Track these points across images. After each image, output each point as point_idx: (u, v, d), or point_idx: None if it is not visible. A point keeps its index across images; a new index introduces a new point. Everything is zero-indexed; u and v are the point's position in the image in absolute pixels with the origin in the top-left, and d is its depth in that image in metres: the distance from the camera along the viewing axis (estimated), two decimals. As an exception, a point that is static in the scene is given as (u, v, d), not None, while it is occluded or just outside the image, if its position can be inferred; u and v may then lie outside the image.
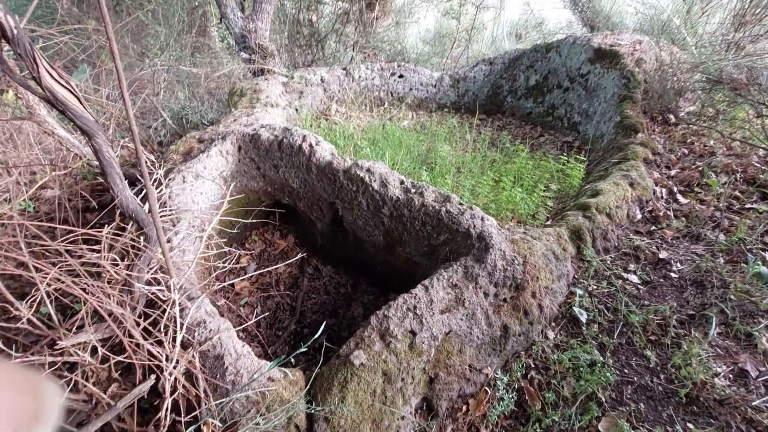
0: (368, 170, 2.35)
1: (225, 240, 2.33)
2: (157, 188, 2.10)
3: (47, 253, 1.77)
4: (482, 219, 2.12)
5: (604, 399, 1.72)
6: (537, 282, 2.03)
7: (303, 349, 1.45)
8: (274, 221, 2.98)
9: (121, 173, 1.50)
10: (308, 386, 1.67)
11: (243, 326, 1.74)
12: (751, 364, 1.74)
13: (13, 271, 1.29)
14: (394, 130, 3.97)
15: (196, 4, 5.93)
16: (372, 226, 2.44)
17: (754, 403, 1.60)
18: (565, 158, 3.11)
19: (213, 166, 2.54)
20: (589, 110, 4.07)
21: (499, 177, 2.97)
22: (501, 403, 1.73)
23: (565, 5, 5.45)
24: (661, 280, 2.19)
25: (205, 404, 1.46)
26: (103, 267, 1.49)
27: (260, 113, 3.45)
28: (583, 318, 2.01)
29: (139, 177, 2.21)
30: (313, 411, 1.56)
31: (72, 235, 1.53)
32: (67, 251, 1.39)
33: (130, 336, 1.59)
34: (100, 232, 1.49)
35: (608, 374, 1.77)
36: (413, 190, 2.29)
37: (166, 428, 1.45)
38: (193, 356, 1.55)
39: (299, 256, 2.18)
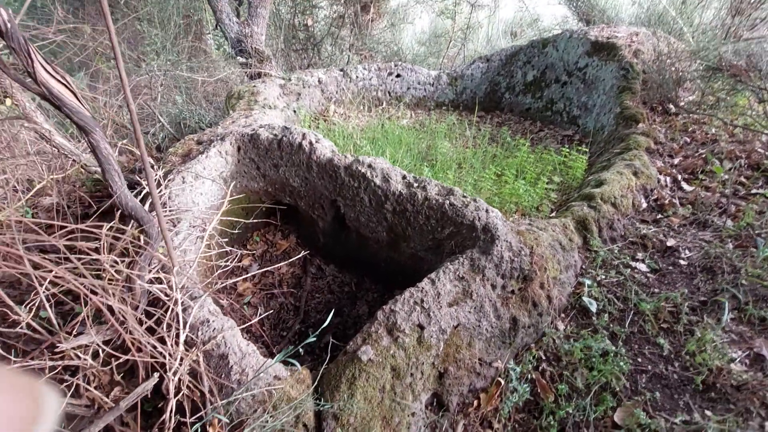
0: (369, 166, 2.32)
1: (226, 240, 2.30)
2: (156, 188, 2.07)
3: (46, 250, 1.73)
4: (487, 211, 2.09)
5: (618, 389, 1.68)
6: (545, 273, 2.00)
7: (312, 339, 1.41)
8: (275, 221, 2.95)
9: (120, 170, 1.47)
10: (316, 384, 1.63)
11: (246, 325, 1.70)
12: (766, 348, 1.71)
13: (12, 267, 1.25)
14: (393, 128, 3.95)
15: (192, 12, 5.93)
16: (375, 223, 2.41)
17: (772, 388, 1.57)
18: (567, 150, 3.09)
19: (212, 167, 2.51)
20: (588, 103, 4.05)
21: (501, 171, 2.94)
22: (514, 394, 1.69)
23: (560, 1, 5.45)
24: (670, 267, 2.16)
25: (211, 404, 1.43)
26: (103, 265, 1.46)
27: (258, 115, 3.43)
28: (593, 308, 1.98)
29: (139, 180, 2.19)
30: (321, 408, 1.52)
31: (70, 234, 1.50)
32: (66, 247, 1.36)
33: (133, 336, 1.55)
34: (99, 229, 1.46)
35: (621, 363, 1.73)
36: (416, 185, 2.26)
37: (171, 430, 1.41)
38: (197, 356, 1.51)
39: (302, 254, 2.14)
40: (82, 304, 1.42)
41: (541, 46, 4.59)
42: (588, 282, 2.11)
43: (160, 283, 1.70)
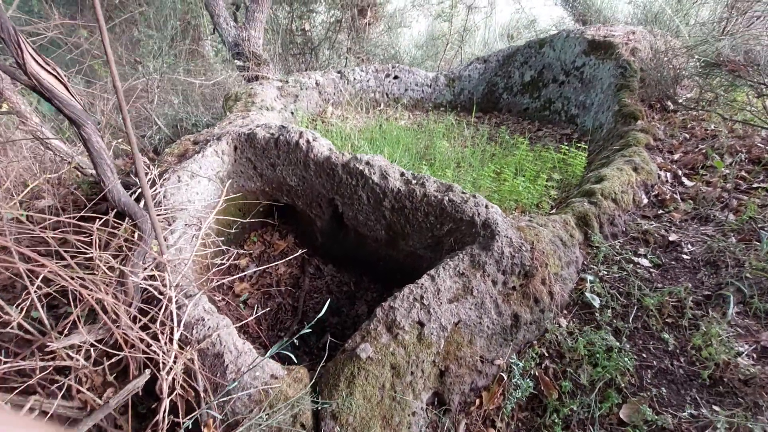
0: (367, 163, 2.30)
1: (223, 240, 2.27)
2: (151, 187, 2.04)
3: (40, 253, 1.70)
4: (486, 206, 2.06)
5: (623, 385, 1.65)
6: (546, 268, 1.97)
7: (307, 330, 1.38)
8: (272, 222, 2.92)
9: (112, 165, 1.44)
10: (313, 383, 1.59)
11: (242, 323, 1.66)
12: (773, 342, 1.68)
13: (3, 262, 1.22)
14: (391, 129, 3.93)
15: (189, 16, 5.94)
16: (373, 221, 2.38)
17: (781, 382, 1.53)
18: (566, 147, 3.07)
19: (209, 167, 2.48)
20: (586, 102, 4.05)
21: (500, 169, 2.92)
22: (517, 391, 1.65)
23: (556, 2, 5.46)
24: (673, 262, 2.13)
25: (206, 403, 1.39)
26: (95, 262, 1.43)
27: (255, 116, 3.41)
28: (596, 303, 1.95)
29: (136, 181, 2.16)
30: (319, 408, 1.48)
31: (61, 230, 1.47)
32: (57, 243, 1.33)
33: (126, 334, 1.51)
34: (91, 225, 1.43)
35: (626, 359, 1.70)
36: (414, 182, 2.23)
37: (164, 431, 1.37)
38: (191, 354, 1.47)
39: (299, 252, 2.11)
40: (71, 302, 1.38)
41: (538, 46, 4.59)
42: (590, 278, 2.07)
43: (155, 280, 1.67)
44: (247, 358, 1.53)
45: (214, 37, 5.91)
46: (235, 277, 1.88)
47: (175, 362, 1.45)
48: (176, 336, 1.49)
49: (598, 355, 1.75)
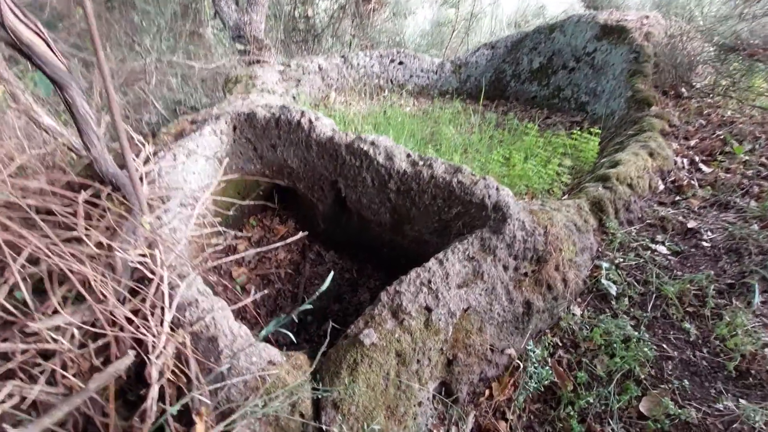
0: (372, 143, 2.19)
1: (220, 220, 2.17)
2: (144, 164, 1.94)
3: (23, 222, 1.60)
4: (497, 189, 1.96)
5: (643, 377, 1.55)
6: (560, 254, 1.87)
7: (307, 306, 1.27)
8: (272, 206, 2.82)
9: (99, 133, 1.34)
10: (314, 370, 1.50)
11: (238, 305, 1.57)
12: (803, 333, 1.58)
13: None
14: (396, 115, 3.82)
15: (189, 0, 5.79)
16: (377, 204, 2.28)
17: (813, 375, 1.43)
18: (578, 132, 2.95)
19: (206, 146, 2.38)
20: (597, 89, 3.92)
21: (508, 154, 2.81)
22: (532, 379, 1.55)
23: (567, -13, 5.32)
24: (693, 249, 2.03)
25: (198, 389, 1.29)
26: (81, 236, 1.33)
27: (256, 98, 3.29)
28: (613, 291, 1.85)
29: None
30: (320, 396, 1.39)
31: (44, 201, 1.37)
32: (41, 216, 1.23)
33: (114, 316, 1.42)
34: (77, 195, 1.33)
35: (646, 350, 1.60)
36: (421, 163, 2.13)
37: (153, 419, 1.27)
38: (183, 337, 1.38)
39: (299, 235, 2.01)
40: (53, 280, 1.28)
41: (548, 31, 4.45)
42: (605, 265, 1.97)
43: (148, 259, 1.57)
44: (243, 343, 1.43)
45: (216, 23, 5.77)
46: (231, 258, 1.77)
47: (165, 346, 1.35)
48: (168, 317, 1.39)
49: (615, 345, 1.65)
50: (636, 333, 1.67)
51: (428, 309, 1.60)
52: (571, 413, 1.50)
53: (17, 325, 1.43)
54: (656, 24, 3.78)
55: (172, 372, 1.36)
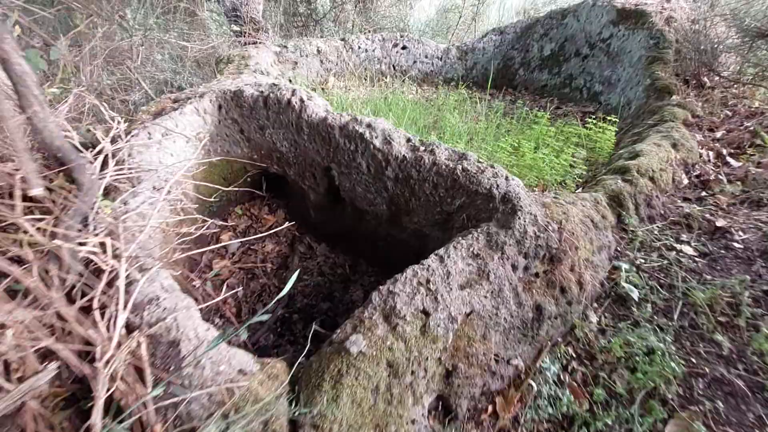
0: (369, 126, 1.98)
1: (197, 207, 1.97)
2: (113, 143, 1.74)
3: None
4: (507, 178, 1.75)
5: (670, 396, 1.35)
6: (576, 253, 1.66)
7: (261, 317, 1.07)
8: (261, 194, 2.62)
9: (42, 97, 1.13)
10: (292, 381, 1.30)
11: (208, 303, 1.37)
12: None
13: None
14: (397, 101, 3.59)
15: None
16: (373, 193, 2.07)
17: None
18: (593, 120, 2.73)
19: (187, 126, 2.17)
20: (611, 77, 3.68)
21: (517, 143, 2.59)
22: (546, 399, 1.35)
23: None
24: (722, 251, 1.82)
25: (154, 404, 1.10)
26: (19, 224, 1.13)
27: (248, 79, 3.07)
28: (635, 295, 1.64)
29: (98, 135, 1.84)
30: (297, 414, 1.19)
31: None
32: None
33: (60, 317, 1.22)
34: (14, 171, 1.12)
35: (673, 365, 1.40)
36: (422, 148, 1.92)
37: (99, 436, 1.08)
38: (139, 341, 1.18)
39: (285, 225, 1.81)
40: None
41: (561, 16, 4.21)
42: (625, 266, 1.76)
43: (104, 251, 1.37)
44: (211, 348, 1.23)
45: (213, 5, 5.53)
46: (205, 249, 1.58)
47: (116, 351, 1.16)
48: (121, 318, 1.20)
49: (637, 358, 1.45)
50: (661, 345, 1.47)
51: (426, 313, 1.39)
52: (587, 436, 1.30)
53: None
54: (678, 8, 3.54)
55: (124, 381, 1.16)
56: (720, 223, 1.92)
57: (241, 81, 2.85)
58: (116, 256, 1.32)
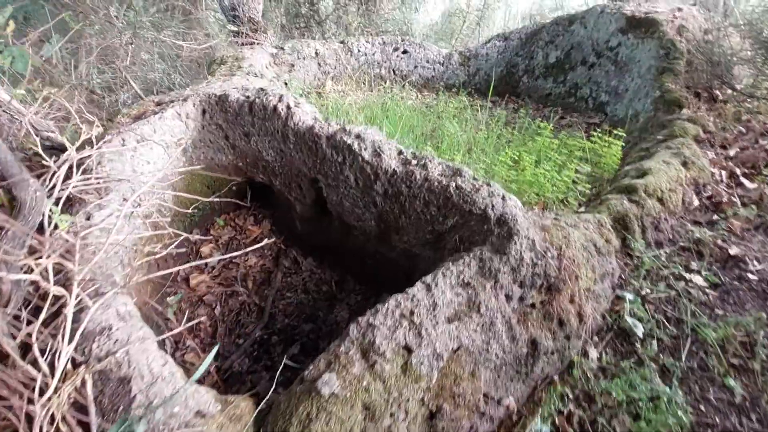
0: (358, 136, 1.85)
1: (180, 218, 1.85)
2: (80, 150, 1.62)
3: None
4: (503, 198, 1.62)
5: (676, 449, 1.22)
6: (576, 282, 1.53)
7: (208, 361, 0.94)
8: (245, 204, 2.49)
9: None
10: (257, 422, 1.18)
11: (170, 333, 1.24)
12: None
13: None
14: (395, 107, 3.47)
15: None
16: (361, 208, 1.94)
17: None
18: (598, 133, 2.59)
19: (167, 131, 2.05)
20: (619, 88, 3.55)
21: (518, 156, 2.46)
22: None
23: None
24: (736, 282, 1.68)
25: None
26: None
27: (239, 81, 2.96)
28: (639, 331, 1.51)
29: (63, 142, 1.73)
30: (257, 463, 1.07)
31: None
32: None
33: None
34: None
35: (680, 413, 1.26)
36: (414, 162, 1.79)
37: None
38: (84, 379, 1.06)
39: (265, 242, 1.69)
40: None
41: (567, 23, 4.07)
42: (629, 296, 1.63)
43: (58, 273, 1.25)
44: (164, 387, 1.11)
45: (213, 4, 5.42)
46: (172, 270, 1.45)
47: (58, 389, 1.03)
48: (65, 351, 1.07)
49: (640, 403, 1.32)
50: (667, 389, 1.33)
51: (408, 349, 1.27)
52: (584, 493, 1.17)
53: None
54: (690, 17, 3.40)
55: (65, 423, 1.04)
56: (733, 251, 1.78)
57: (230, 84, 2.73)
58: (68, 280, 1.20)
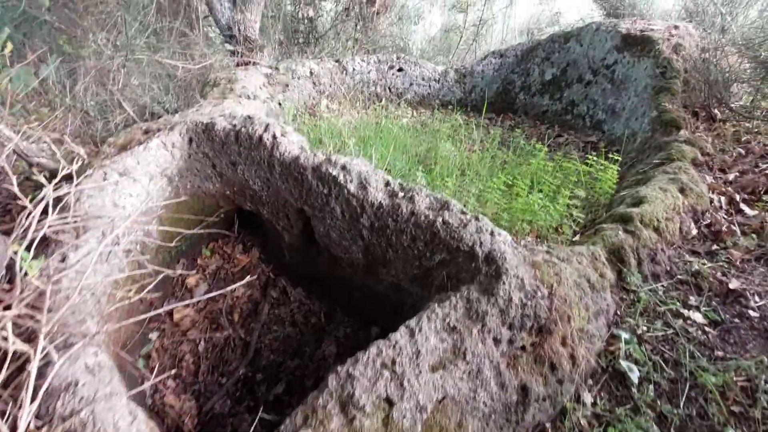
0: (343, 168, 1.81)
1: (166, 248, 1.80)
2: (55, 188, 1.58)
3: None
4: (491, 233, 1.56)
5: None
6: (568, 323, 1.47)
7: None
8: (229, 234, 2.45)
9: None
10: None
11: (142, 387, 1.19)
12: None
13: None
14: (389, 127, 3.44)
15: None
16: (348, 240, 1.89)
17: None
18: (594, 157, 2.55)
19: (152, 162, 2.02)
20: (616, 106, 3.51)
21: (512, 180, 2.41)
22: None
23: (585, -7, 4.90)
24: (736, 320, 1.61)
25: None
26: None
27: (231, 104, 2.94)
28: (634, 376, 1.44)
29: (44, 183, 1.69)
30: None
31: None
32: None
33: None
34: None
35: (678, 468, 1.19)
36: (401, 194, 1.74)
37: None
38: (43, 443, 1.00)
39: (248, 278, 1.64)
40: None
41: (563, 40, 4.05)
42: (625, 336, 1.56)
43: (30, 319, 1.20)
44: (130, 449, 1.05)
45: (208, 18, 5.45)
46: (147, 316, 1.40)
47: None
48: (26, 413, 1.02)
49: (637, 456, 1.25)
50: (665, 440, 1.27)
51: (389, 401, 1.20)
52: None
53: None
54: (687, 35, 3.37)
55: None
56: (733, 284, 1.72)
57: (221, 108, 2.71)
58: (33, 333, 1.15)
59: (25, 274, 1.30)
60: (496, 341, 1.39)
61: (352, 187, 1.78)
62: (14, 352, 1.14)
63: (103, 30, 3.53)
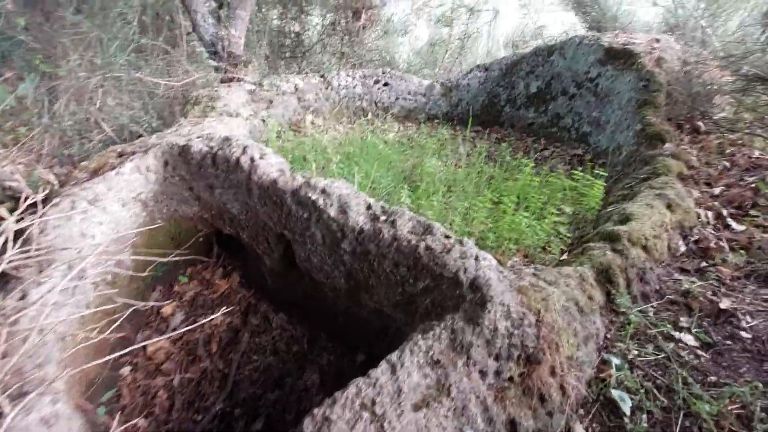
0: (323, 191, 1.75)
1: (145, 281, 1.72)
2: (18, 219, 1.50)
3: None
4: (476, 258, 1.51)
5: None
6: (557, 351, 1.41)
7: None
8: (211, 259, 2.37)
9: None
10: None
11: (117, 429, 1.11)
12: None
13: None
14: (375, 143, 3.40)
15: (164, 12, 5.44)
16: (330, 266, 1.83)
17: None
18: (580, 171, 2.52)
19: (125, 187, 1.94)
20: (600, 119, 3.51)
21: (498, 197, 2.37)
22: None
23: (567, 6, 4.96)
24: (728, 342, 1.57)
25: None
26: None
27: (212, 123, 2.87)
28: (626, 406, 1.38)
29: (5, 214, 1.61)
30: None
31: None
32: None
33: None
34: None
35: (675, 507, 1.13)
36: (383, 218, 1.69)
37: None
38: None
39: (224, 309, 1.57)
40: None
41: (546, 54, 4.07)
42: (616, 362, 1.51)
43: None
44: None
45: (192, 34, 5.40)
46: (116, 356, 1.32)
47: None
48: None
49: (631, 494, 1.18)
50: (660, 476, 1.21)
51: (369, 445, 1.13)
52: None
53: None
54: (668, 48, 3.39)
55: None
56: (724, 304, 1.68)
57: (202, 128, 2.64)
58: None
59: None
60: (482, 374, 1.32)
61: (332, 212, 1.72)
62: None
63: (79, 49, 3.45)
